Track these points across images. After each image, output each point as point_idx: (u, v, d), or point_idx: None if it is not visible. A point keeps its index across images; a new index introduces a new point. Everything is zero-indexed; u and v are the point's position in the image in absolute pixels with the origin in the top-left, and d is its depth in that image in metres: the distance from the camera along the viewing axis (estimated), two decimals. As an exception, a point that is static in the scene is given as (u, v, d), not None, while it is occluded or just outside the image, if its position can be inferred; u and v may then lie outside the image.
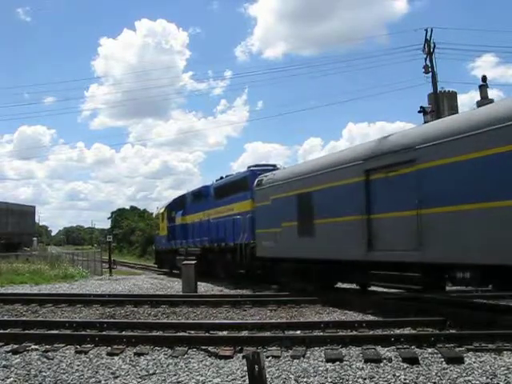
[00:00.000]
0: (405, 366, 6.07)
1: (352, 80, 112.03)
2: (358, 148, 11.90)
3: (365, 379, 5.65)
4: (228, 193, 19.82)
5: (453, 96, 28.12)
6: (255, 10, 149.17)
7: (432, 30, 25.07)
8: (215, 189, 21.78)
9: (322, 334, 7.91)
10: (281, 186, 14.34)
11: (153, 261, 51.08)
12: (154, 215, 29.03)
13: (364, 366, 6.08)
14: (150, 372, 6.16)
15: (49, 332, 8.42)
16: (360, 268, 11.13)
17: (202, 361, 6.59)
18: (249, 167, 18.90)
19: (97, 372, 6.21)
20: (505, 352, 6.47)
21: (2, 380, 5.98)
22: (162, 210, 29.03)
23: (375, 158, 10.44)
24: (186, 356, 6.81)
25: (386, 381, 5.59)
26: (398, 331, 7.95)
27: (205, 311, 10.68)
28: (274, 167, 17.91)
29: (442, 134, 8.84)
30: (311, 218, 12.60)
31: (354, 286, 13.58)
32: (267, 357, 6.41)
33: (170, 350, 7.06)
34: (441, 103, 24.61)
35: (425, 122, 17.02)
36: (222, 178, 22.06)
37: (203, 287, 17.02)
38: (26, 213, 46.25)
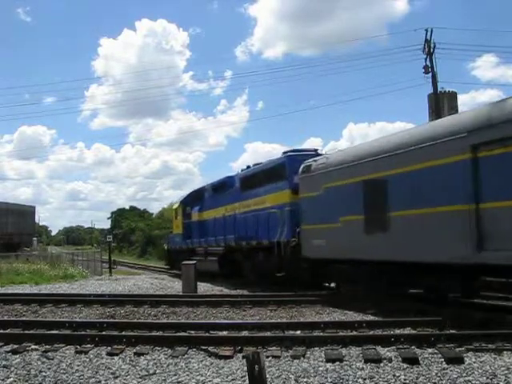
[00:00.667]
0: (405, 366, 6.07)
1: (352, 80, 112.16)
2: (458, 118, 9.69)
3: (365, 379, 5.65)
4: (259, 183, 17.09)
5: (453, 96, 28.06)
6: (255, 10, 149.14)
7: (432, 30, 25.09)
8: (242, 179, 18.88)
9: (322, 334, 7.91)
10: (338, 171, 11.86)
11: (153, 261, 51.39)
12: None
13: (364, 366, 6.08)
14: (150, 372, 6.16)
15: (49, 332, 8.41)
16: (459, 273, 8.92)
17: (201, 361, 6.59)
18: (284, 153, 16.14)
19: (97, 372, 6.21)
20: (505, 352, 6.47)
21: (2, 380, 5.98)
22: (175, 206, 26.25)
23: (488, 129, 8.16)
24: (186, 356, 6.81)
25: (386, 381, 5.59)
26: (398, 331, 7.95)
27: (205, 311, 10.67)
28: (316, 152, 15.28)
29: None
30: (385, 209, 10.22)
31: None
32: (267, 357, 6.40)
33: (170, 350, 7.06)
34: (441, 103, 24.58)
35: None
36: (248, 167, 19.27)
37: (203, 287, 17.02)
38: (26, 213, 46.26)
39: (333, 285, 13.83)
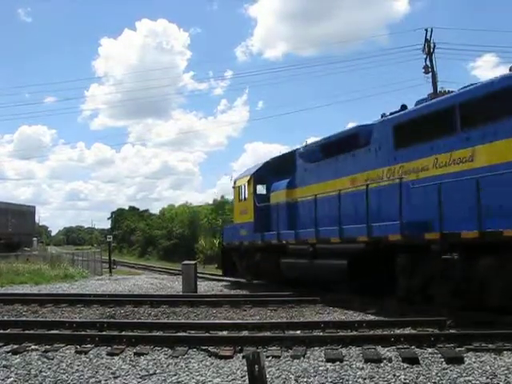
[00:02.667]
0: (405, 365, 6.07)
1: (352, 80, 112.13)
2: None
3: (365, 379, 5.65)
4: (450, 127, 9.89)
5: (453, 96, 28.00)
6: (255, 10, 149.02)
7: (432, 30, 25.09)
8: (401, 126, 11.16)
9: (322, 334, 7.92)
10: None
11: (153, 261, 51.46)
12: (233, 184, 18.88)
13: (364, 366, 6.08)
14: (150, 372, 6.15)
15: (49, 332, 8.41)
16: None
17: (202, 361, 6.59)
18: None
19: (97, 372, 6.20)
20: (505, 352, 6.48)
21: (2, 380, 5.98)
22: (241, 182, 17.78)
23: None
24: (186, 356, 6.81)
25: (386, 381, 5.59)
26: (398, 331, 7.96)
27: (205, 311, 10.68)
28: None
29: None
30: None
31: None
32: (267, 357, 6.40)
33: (170, 350, 7.06)
34: (441, 103, 24.55)
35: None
36: (404, 107, 11.81)
37: (203, 287, 17.03)
38: (25, 213, 46.20)
39: None
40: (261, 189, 16.96)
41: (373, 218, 10.94)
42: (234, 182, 18.43)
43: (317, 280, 12.90)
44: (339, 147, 12.89)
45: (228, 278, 19.35)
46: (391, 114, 11.86)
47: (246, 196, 17.22)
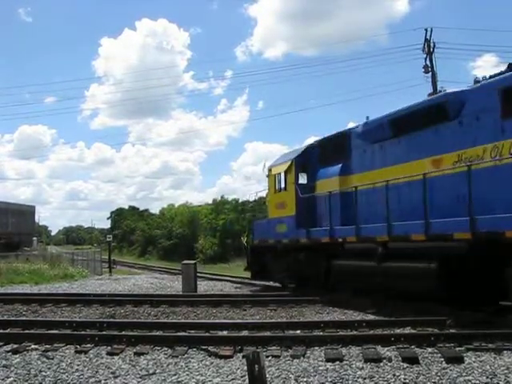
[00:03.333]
0: (405, 365, 6.07)
1: (352, 80, 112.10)
2: None
3: (365, 379, 5.65)
4: None
5: (453, 96, 27.96)
6: (255, 10, 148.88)
7: (432, 30, 25.04)
8: (510, 90, 8.55)
9: (321, 333, 7.91)
10: None
11: (153, 261, 51.43)
12: (264, 170, 15.97)
13: (364, 366, 6.08)
14: (150, 372, 6.16)
15: (49, 332, 8.40)
16: None
17: (201, 360, 6.59)
18: None
19: (97, 372, 6.21)
20: (505, 352, 6.48)
21: (2, 380, 5.98)
22: (278, 170, 14.88)
23: None
24: (185, 356, 6.81)
25: (385, 380, 5.60)
26: (398, 331, 7.95)
27: (205, 311, 10.68)
28: None
29: None
30: None
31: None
32: (267, 356, 6.41)
33: (170, 350, 7.06)
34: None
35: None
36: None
37: (203, 287, 17.03)
38: (25, 213, 46.21)
39: None
40: (304, 176, 14.32)
41: (475, 208, 8.52)
42: (269, 170, 15.47)
43: (388, 288, 10.24)
44: (416, 122, 10.35)
45: (257, 282, 16.91)
46: (493, 76, 9.49)
47: (285, 186, 14.38)
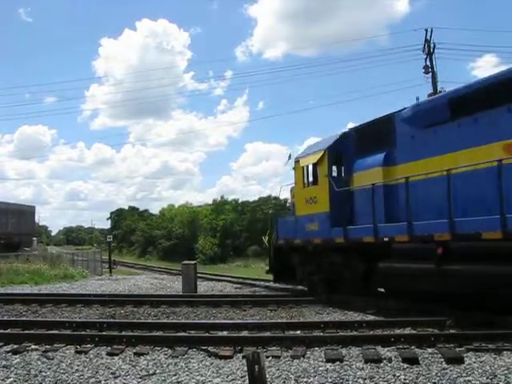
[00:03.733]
0: (405, 366, 6.08)
1: (352, 80, 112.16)
2: None
3: (365, 379, 5.65)
4: None
5: (453, 96, 27.90)
6: (255, 10, 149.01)
7: (432, 30, 25.02)
8: None
9: (322, 334, 7.91)
10: None
11: (153, 261, 51.44)
12: (289, 162, 14.10)
13: (364, 366, 6.08)
14: (150, 372, 6.16)
15: (49, 332, 8.41)
16: None
17: (201, 361, 6.59)
18: None
19: (97, 372, 6.21)
20: (505, 352, 6.48)
21: (2, 380, 5.98)
22: (307, 161, 13.18)
23: None
24: (185, 356, 6.81)
25: (385, 381, 5.60)
26: (398, 331, 7.96)
27: (205, 311, 10.68)
28: None
29: None
30: None
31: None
32: (267, 357, 6.41)
33: (170, 350, 7.06)
34: (441, 103, 24.51)
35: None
36: None
37: (203, 287, 17.03)
38: (25, 213, 46.20)
39: None
40: (339, 167, 12.85)
41: None
42: (296, 162, 13.70)
43: (452, 294, 8.85)
44: (485, 100, 8.98)
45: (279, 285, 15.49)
46: None
47: (316, 179, 12.80)
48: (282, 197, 16.02)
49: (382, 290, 11.27)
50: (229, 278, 21.57)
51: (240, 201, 55.47)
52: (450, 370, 5.85)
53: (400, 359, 6.30)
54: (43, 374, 6.18)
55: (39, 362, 6.67)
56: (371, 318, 9.43)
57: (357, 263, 11.26)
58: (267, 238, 15.36)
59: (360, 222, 11.37)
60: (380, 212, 10.61)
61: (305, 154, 13.56)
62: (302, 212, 13.24)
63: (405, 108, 10.76)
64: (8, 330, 8.66)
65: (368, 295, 10.88)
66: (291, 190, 14.53)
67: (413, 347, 6.80)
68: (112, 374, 6.12)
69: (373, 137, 11.46)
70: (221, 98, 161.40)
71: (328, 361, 6.33)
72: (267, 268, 15.65)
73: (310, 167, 13.10)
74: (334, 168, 12.65)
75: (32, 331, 8.49)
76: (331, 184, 12.03)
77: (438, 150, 9.77)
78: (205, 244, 48.23)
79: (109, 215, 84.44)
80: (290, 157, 14.31)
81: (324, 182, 12.34)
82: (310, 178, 13.15)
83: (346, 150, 12.38)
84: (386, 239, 10.19)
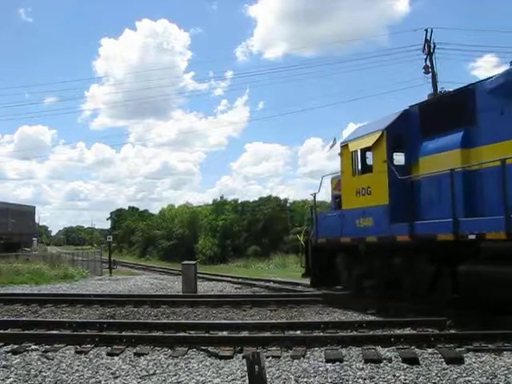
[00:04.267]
0: (405, 366, 6.08)
1: (352, 80, 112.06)
2: None
3: (365, 379, 5.66)
4: None
5: (454, 96, 27.82)
6: (255, 10, 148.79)
7: (432, 31, 24.95)
8: None
9: (322, 334, 7.91)
10: None
11: (153, 261, 51.49)
12: (332, 147, 12.34)
13: (364, 367, 6.08)
14: (150, 372, 6.16)
15: (49, 332, 8.41)
16: None
17: (201, 361, 6.59)
18: None
19: (97, 372, 6.21)
20: (505, 352, 6.48)
21: (2, 380, 5.98)
22: (360, 145, 11.23)
23: None
24: (186, 356, 6.81)
25: (385, 381, 5.60)
26: (398, 331, 7.96)
27: (205, 311, 10.68)
28: None
29: None
30: None
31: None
32: (267, 357, 6.40)
33: (170, 350, 7.06)
34: (441, 103, 24.50)
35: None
36: None
37: (203, 287, 17.03)
38: (25, 213, 46.24)
39: None
40: (399, 153, 10.76)
41: None
42: (343, 147, 11.71)
43: None
44: None
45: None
46: None
47: (371, 166, 10.90)
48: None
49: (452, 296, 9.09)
50: (229, 278, 21.58)
51: (240, 201, 55.48)
52: (450, 370, 5.85)
53: (400, 359, 6.30)
54: (43, 374, 6.17)
55: (39, 362, 6.67)
56: (371, 318, 9.43)
57: (424, 265, 9.40)
58: (302, 236, 13.63)
59: (428, 216, 9.47)
60: (458, 203, 8.73)
61: (355, 137, 11.44)
62: (350, 205, 11.26)
63: (489, 78, 9.02)
64: (8, 330, 8.65)
65: (435, 303, 9.26)
66: (332, 181, 12.83)
67: (413, 347, 6.80)
68: (112, 374, 6.12)
69: (444, 114, 9.70)
70: (221, 98, 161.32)
71: (328, 361, 6.33)
72: (302, 271, 13.47)
73: (362, 152, 11.19)
74: (395, 153, 10.63)
75: (32, 331, 8.49)
76: (391, 171, 10.06)
77: None
78: (205, 244, 48.25)
79: (109, 215, 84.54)
80: (334, 141, 12.49)
81: (381, 169, 10.30)
82: (361, 165, 11.25)
83: (408, 131, 10.36)
84: (471, 237, 8.25)
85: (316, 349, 6.89)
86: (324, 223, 12.44)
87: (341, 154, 11.83)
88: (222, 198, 57.23)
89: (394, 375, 5.74)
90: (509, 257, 7.65)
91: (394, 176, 9.95)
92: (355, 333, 7.95)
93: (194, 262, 16.82)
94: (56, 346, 7.45)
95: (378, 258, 10.51)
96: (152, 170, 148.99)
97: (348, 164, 11.46)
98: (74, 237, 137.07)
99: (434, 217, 9.19)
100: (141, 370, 6.24)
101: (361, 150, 11.14)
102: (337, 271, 11.97)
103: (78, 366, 6.49)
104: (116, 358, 6.83)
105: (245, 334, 8.08)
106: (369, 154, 11.10)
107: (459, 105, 9.43)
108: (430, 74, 25.01)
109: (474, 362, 6.12)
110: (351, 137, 11.77)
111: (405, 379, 5.62)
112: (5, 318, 10.12)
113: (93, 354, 7.03)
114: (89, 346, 7.39)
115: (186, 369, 6.25)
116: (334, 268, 12.05)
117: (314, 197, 12.97)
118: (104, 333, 8.25)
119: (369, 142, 10.74)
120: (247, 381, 4.90)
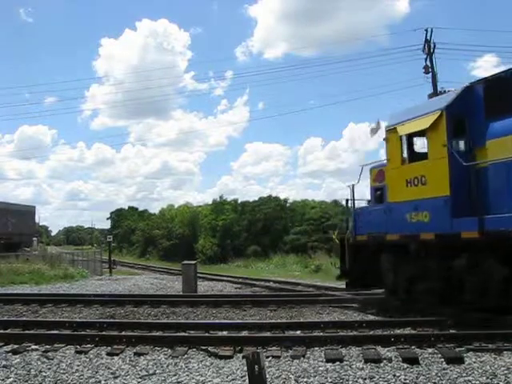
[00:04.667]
0: (405, 366, 6.08)
1: (352, 80, 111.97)
2: None
3: (365, 379, 5.66)
4: None
5: (454, 96, 27.78)
6: (255, 10, 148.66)
7: (432, 30, 24.91)
8: None
9: (321, 334, 7.91)
10: None
11: (153, 261, 51.49)
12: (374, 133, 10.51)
13: (364, 366, 6.09)
14: (150, 372, 6.16)
15: (49, 332, 8.41)
16: None
17: (201, 361, 6.59)
18: None
19: (97, 372, 6.21)
20: (505, 352, 6.49)
21: (2, 380, 5.98)
22: (411, 128, 9.64)
23: None
24: (185, 356, 6.81)
25: (386, 381, 5.60)
26: (398, 331, 7.96)
27: (205, 311, 10.68)
28: None
29: None
30: None
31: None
32: (267, 357, 6.41)
33: (170, 350, 7.06)
34: (441, 103, 24.48)
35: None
36: None
37: (203, 287, 17.03)
38: (26, 213, 46.18)
39: None
40: (464, 138, 9.20)
41: None
42: (390, 131, 10.23)
43: None
44: None
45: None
46: None
47: (426, 151, 9.44)
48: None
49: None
50: (229, 278, 21.58)
51: (240, 201, 55.45)
52: (450, 370, 5.86)
53: (400, 359, 6.30)
54: (43, 373, 6.18)
55: (39, 362, 6.67)
56: (371, 318, 9.43)
57: (495, 267, 8.16)
58: (336, 233, 12.36)
59: (498, 209, 8.12)
60: None
61: (405, 120, 9.87)
62: (399, 198, 9.85)
63: None
64: (8, 330, 8.66)
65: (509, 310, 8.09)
66: (371, 171, 11.31)
67: (413, 347, 6.80)
68: (112, 374, 6.13)
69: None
70: (221, 98, 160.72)
71: (328, 361, 6.33)
72: (338, 272, 12.12)
73: (414, 136, 9.99)
74: (456, 140, 9.17)
75: (32, 331, 8.49)
76: (453, 157, 8.62)
77: None
78: (205, 244, 48.21)
79: (109, 215, 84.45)
80: (378, 124, 11.01)
81: (440, 155, 8.87)
82: (411, 152, 10.01)
83: (471, 111, 8.92)
84: None
85: (316, 349, 6.90)
86: (366, 219, 11.02)
87: (386, 140, 10.33)
88: (221, 197, 57.19)
89: (394, 375, 5.74)
90: None
91: (456, 162, 8.50)
92: (355, 333, 7.95)
93: (193, 262, 16.81)
94: (56, 345, 7.46)
95: (434, 258, 9.10)
96: (152, 170, 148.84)
97: (396, 150, 10.00)
98: (74, 237, 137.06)
99: (505, 210, 7.90)
100: (141, 370, 6.24)
101: (410, 134, 9.83)
102: (377, 272, 10.54)
103: (78, 365, 6.49)
104: (116, 357, 6.83)
105: (245, 333, 8.08)
106: (416, 139, 9.90)
107: None
108: (430, 73, 24.99)
109: (474, 362, 6.12)
110: (400, 119, 10.08)
111: (405, 379, 5.63)
112: (5, 318, 10.12)
113: (93, 353, 7.04)
114: (89, 345, 7.40)
115: (185, 369, 6.25)
116: (373, 268, 10.62)
117: (353, 188, 11.30)
118: (104, 333, 8.26)
119: (424, 123, 9.25)
120: (247, 381, 4.90)
